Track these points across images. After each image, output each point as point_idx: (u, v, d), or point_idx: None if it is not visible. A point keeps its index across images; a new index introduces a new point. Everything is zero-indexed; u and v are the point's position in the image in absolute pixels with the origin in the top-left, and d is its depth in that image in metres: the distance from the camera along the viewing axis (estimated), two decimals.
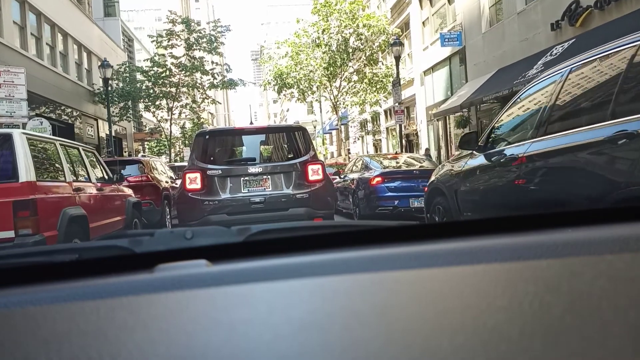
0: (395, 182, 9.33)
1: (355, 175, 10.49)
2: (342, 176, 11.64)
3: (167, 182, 11.24)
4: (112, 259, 1.00)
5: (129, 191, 8.11)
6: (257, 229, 1.11)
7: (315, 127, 41.48)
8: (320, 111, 32.96)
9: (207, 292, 0.74)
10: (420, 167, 10.34)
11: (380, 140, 30.22)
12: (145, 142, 31.14)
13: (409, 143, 24.34)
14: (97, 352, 0.51)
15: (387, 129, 28.19)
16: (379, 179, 9.35)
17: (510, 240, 0.89)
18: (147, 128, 29.84)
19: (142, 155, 10.99)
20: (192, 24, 24.61)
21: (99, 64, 19.99)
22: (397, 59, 17.43)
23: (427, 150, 20.10)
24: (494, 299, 0.59)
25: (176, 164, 19.84)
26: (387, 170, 9.96)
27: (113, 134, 25.33)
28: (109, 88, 21.74)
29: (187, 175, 6.49)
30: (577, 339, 0.46)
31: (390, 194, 9.18)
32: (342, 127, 28.39)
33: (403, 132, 24.67)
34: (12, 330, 0.62)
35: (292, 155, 6.86)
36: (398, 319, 0.56)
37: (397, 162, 10.91)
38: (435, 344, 0.48)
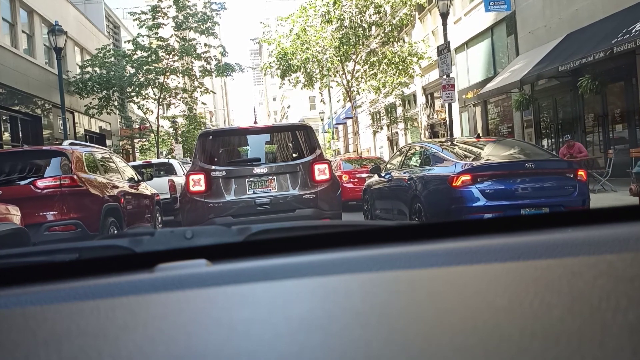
0: (493, 183, 6.21)
1: (411, 173, 7.46)
2: (382, 174, 8.61)
3: (117, 187, 7.66)
4: (112, 259, 1.00)
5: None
6: (257, 229, 1.11)
7: (322, 120, 37.33)
8: (330, 100, 28.33)
9: (207, 292, 0.74)
10: (530, 157, 6.85)
11: (397, 133, 26.63)
12: (136, 140, 26.93)
13: (434, 135, 21.38)
14: (97, 352, 0.51)
15: (405, 120, 24.77)
16: (466, 177, 6.18)
17: (510, 240, 0.90)
18: (137, 122, 25.96)
19: (70, 143, 8.07)
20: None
21: (49, 28, 15.70)
22: (445, 15, 13.81)
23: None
24: (494, 299, 0.59)
25: (153, 160, 16.11)
26: (477, 163, 6.61)
27: (97, 130, 22.98)
28: (87, 76, 19.88)
29: (191, 177, 6.43)
30: (577, 339, 0.46)
31: (485, 202, 6.10)
32: (356, 117, 24.65)
33: (427, 123, 22.52)
34: (12, 330, 0.61)
35: (297, 155, 6.82)
36: (398, 318, 0.56)
37: (485, 151, 7.31)
38: (435, 344, 0.48)
